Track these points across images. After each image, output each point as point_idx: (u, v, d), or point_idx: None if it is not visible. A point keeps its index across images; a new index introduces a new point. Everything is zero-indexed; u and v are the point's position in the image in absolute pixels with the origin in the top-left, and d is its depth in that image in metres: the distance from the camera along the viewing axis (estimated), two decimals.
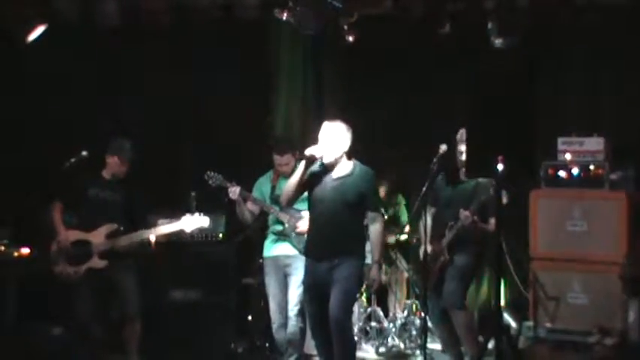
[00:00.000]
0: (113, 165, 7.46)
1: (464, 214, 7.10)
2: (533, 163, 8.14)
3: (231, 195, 7.53)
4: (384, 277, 8.45)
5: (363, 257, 6.86)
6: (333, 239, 6.68)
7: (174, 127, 9.39)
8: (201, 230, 7.63)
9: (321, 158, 6.71)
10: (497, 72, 8.40)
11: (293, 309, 7.48)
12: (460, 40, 8.40)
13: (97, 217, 7.38)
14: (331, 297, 6.63)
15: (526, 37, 8.03)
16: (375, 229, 6.81)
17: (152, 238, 7.53)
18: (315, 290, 6.76)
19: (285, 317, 7.57)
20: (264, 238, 7.79)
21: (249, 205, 7.63)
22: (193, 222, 7.46)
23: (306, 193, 6.90)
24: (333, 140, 6.71)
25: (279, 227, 7.58)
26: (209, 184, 7.63)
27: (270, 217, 7.66)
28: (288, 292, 7.50)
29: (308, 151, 6.68)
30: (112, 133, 7.64)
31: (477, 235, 7.17)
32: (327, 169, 6.77)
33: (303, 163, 6.70)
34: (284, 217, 7.51)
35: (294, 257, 7.40)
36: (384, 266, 8.39)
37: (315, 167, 6.76)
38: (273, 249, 7.64)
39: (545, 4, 7.98)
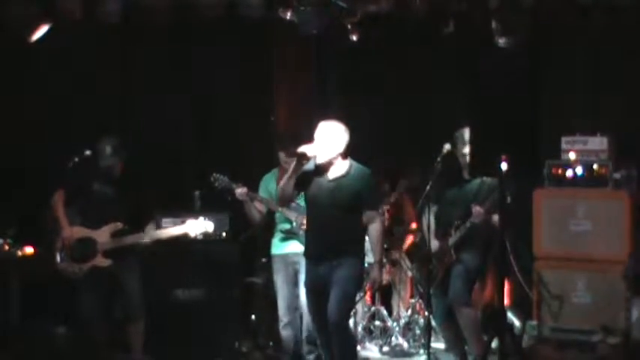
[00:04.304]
0: (103, 166, 7.46)
1: (476, 209, 7.10)
2: (537, 162, 8.14)
3: (238, 196, 7.54)
4: (386, 277, 8.47)
5: (363, 257, 6.85)
6: (331, 241, 6.66)
7: (177, 127, 9.40)
8: (204, 233, 7.62)
9: (315, 158, 6.70)
10: (501, 71, 8.41)
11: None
12: (463, 40, 8.40)
13: (100, 213, 7.38)
14: (330, 298, 6.63)
15: (530, 37, 8.03)
16: (373, 228, 6.78)
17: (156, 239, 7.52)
18: (316, 291, 6.76)
19: (293, 315, 7.58)
20: (267, 236, 7.80)
21: (257, 205, 7.65)
22: (198, 226, 7.47)
23: None
24: (328, 140, 6.68)
25: (287, 226, 7.59)
26: (215, 186, 7.63)
27: (278, 216, 7.68)
28: (300, 289, 7.48)
29: (300, 149, 6.65)
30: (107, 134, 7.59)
31: (484, 233, 7.19)
32: (322, 169, 6.73)
33: (295, 161, 6.68)
34: (291, 215, 7.53)
35: (302, 256, 7.38)
36: (387, 265, 8.41)
37: (309, 166, 6.73)
38: (283, 247, 7.66)
39: (549, 4, 7.97)
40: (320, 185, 6.72)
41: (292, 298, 7.62)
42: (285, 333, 7.66)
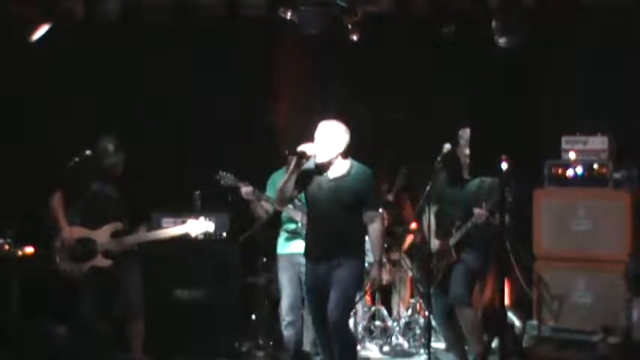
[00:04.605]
0: (104, 166, 7.45)
1: (478, 212, 7.12)
2: (537, 162, 8.13)
3: (244, 195, 7.51)
4: (386, 277, 8.46)
5: (363, 257, 6.85)
6: (331, 241, 6.65)
7: (178, 127, 9.41)
8: (204, 233, 7.61)
9: (315, 157, 6.68)
10: (501, 71, 8.39)
11: None
12: (463, 40, 8.40)
13: (100, 213, 7.38)
14: (330, 298, 6.63)
15: (530, 36, 8.03)
16: (374, 228, 6.78)
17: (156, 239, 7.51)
18: (316, 291, 6.75)
19: (296, 315, 7.56)
20: (269, 236, 7.78)
21: (264, 204, 7.61)
22: (198, 226, 7.46)
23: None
24: (328, 140, 6.67)
25: (293, 226, 7.56)
26: (221, 184, 7.59)
27: (284, 215, 7.65)
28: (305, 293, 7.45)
29: (300, 149, 6.64)
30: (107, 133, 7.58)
31: (485, 233, 7.20)
32: (322, 169, 6.72)
33: (294, 161, 6.66)
34: (296, 215, 7.49)
35: (303, 255, 7.35)
36: (387, 265, 8.41)
37: (309, 166, 6.72)
38: (288, 246, 7.62)
39: (549, 4, 7.98)
40: (320, 185, 6.71)
41: (296, 297, 7.58)
42: (287, 333, 7.62)
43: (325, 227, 6.68)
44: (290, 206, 7.45)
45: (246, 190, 7.54)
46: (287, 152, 7.48)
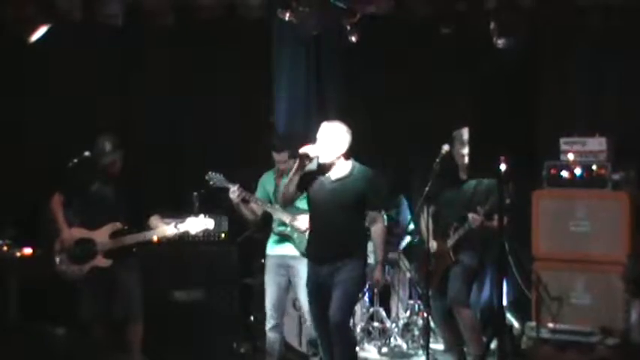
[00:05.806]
0: (102, 165, 7.45)
1: (473, 217, 7.11)
2: (536, 163, 8.13)
3: (231, 196, 7.45)
4: (387, 278, 8.46)
5: (365, 258, 6.84)
6: (334, 242, 6.67)
7: (177, 127, 9.41)
8: (204, 231, 7.62)
9: (317, 158, 6.68)
10: (500, 72, 8.39)
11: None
12: (462, 41, 8.39)
13: (99, 214, 7.38)
14: (332, 299, 6.63)
15: (528, 37, 8.02)
16: (376, 229, 6.79)
17: (155, 239, 7.52)
18: (318, 293, 6.76)
19: (280, 319, 7.53)
20: (266, 238, 7.78)
21: (252, 205, 7.59)
22: (198, 224, 7.45)
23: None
24: (330, 141, 6.68)
25: (282, 228, 7.53)
26: (210, 184, 7.59)
27: (275, 216, 7.63)
28: (299, 296, 7.43)
29: (302, 150, 6.65)
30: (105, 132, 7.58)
31: (483, 234, 7.19)
32: (324, 170, 6.73)
33: (297, 162, 6.67)
34: (286, 217, 7.46)
35: (298, 259, 7.34)
36: (387, 267, 8.40)
37: (312, 167, 6.73)
38: (277, 248, 7.57)
39: (547, 5, 7.96)
40: (323, 186, 6.73)
41: (280, 300, 7.53)
42: (272, 335, 7.58)
43: (327, 228, 6.69)
44: (277, 207, 7.42)
45: (232, 190, 7.47)
46: (276, 153, 7.51)
